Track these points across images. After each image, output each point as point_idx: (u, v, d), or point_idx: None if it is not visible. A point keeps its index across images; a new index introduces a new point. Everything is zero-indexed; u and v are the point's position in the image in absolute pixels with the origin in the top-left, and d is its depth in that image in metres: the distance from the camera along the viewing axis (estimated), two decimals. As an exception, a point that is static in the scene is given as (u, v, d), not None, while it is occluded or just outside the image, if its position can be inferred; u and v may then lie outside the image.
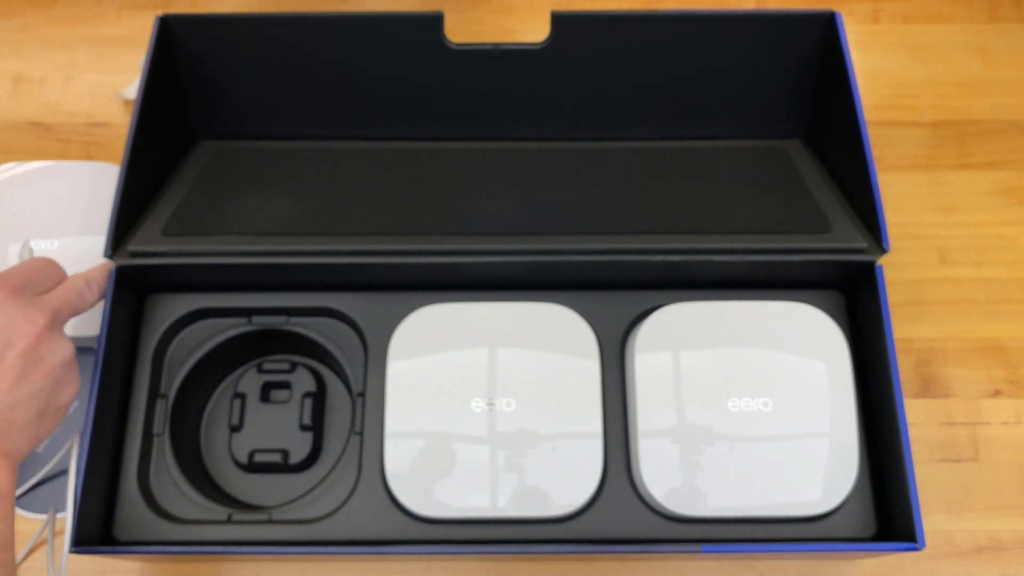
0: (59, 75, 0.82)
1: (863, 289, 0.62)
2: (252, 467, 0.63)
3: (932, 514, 0.64)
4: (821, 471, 0.57)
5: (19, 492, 0.64)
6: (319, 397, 0.65)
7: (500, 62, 0.67)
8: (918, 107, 0.79)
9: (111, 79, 0.81)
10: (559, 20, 0.65)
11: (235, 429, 0.64)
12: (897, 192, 0.74)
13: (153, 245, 0.61)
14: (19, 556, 0.63)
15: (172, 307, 0.64)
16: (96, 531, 0.58)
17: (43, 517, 0.64)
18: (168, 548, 0.57)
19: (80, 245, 0.67)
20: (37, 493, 0.65)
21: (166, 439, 0.62)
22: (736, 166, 0.69)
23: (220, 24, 0.67)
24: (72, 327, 0.63)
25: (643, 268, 0.62)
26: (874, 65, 0.80)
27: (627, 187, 0.67)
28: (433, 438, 0.58)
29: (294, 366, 0.65)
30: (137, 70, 0.80)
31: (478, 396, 0.59)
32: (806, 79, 0.68)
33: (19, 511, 0.64)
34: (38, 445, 0.52)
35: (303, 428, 0.63)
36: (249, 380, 0.65)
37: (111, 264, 0.60)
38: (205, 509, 0.60)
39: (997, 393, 0.68)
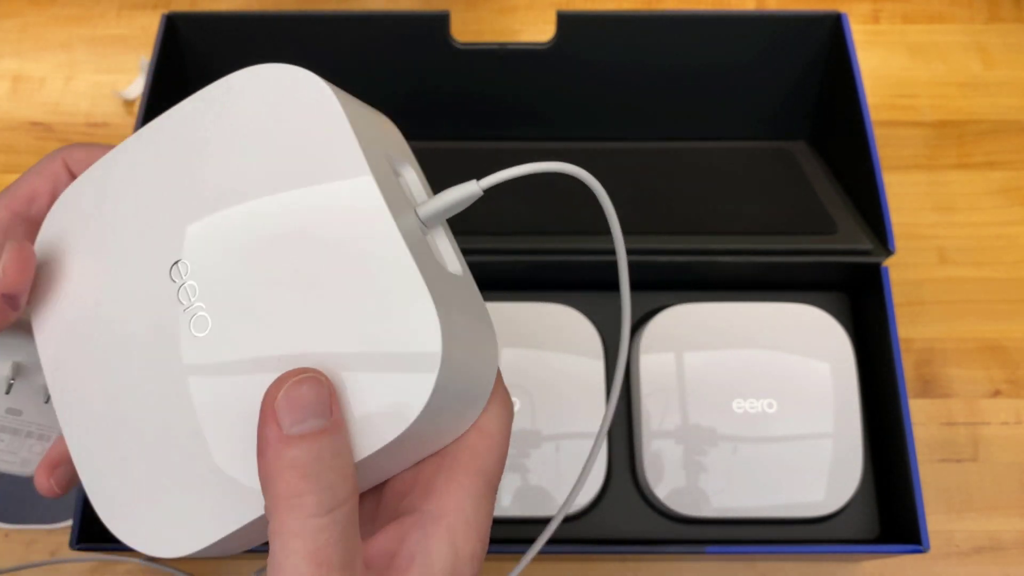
0: (59, 75, 0.81)
1: (868, 291, 0.62)
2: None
3: (932, 514, 0.64)
4: (825, 472, 0.57)
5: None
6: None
7: (505, 62, 0.67)
8: (918, 107, 0.78)
9: (111, 79, 0.80)
10: (564, 20, 0.65)
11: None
12: (897, 192, 0.74)
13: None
14: (20, 563, 0.63)
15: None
16: (100, 528, 0.58)
17: (47, 527, 0.63)
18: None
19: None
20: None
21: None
22: (741, 167, 0.69)
23: (226, 22, 0.67)
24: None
25: (648, 268, 0.62)
26: (874, 65, 0.80)
27: (632, 187, 0.67)
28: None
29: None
30: (137, 70, 0.80)
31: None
32: (812, 80, 0.68)
33: (24, 525, 0.63)
34: None
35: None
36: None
37: None
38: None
39: (997, 393, 0.68)
